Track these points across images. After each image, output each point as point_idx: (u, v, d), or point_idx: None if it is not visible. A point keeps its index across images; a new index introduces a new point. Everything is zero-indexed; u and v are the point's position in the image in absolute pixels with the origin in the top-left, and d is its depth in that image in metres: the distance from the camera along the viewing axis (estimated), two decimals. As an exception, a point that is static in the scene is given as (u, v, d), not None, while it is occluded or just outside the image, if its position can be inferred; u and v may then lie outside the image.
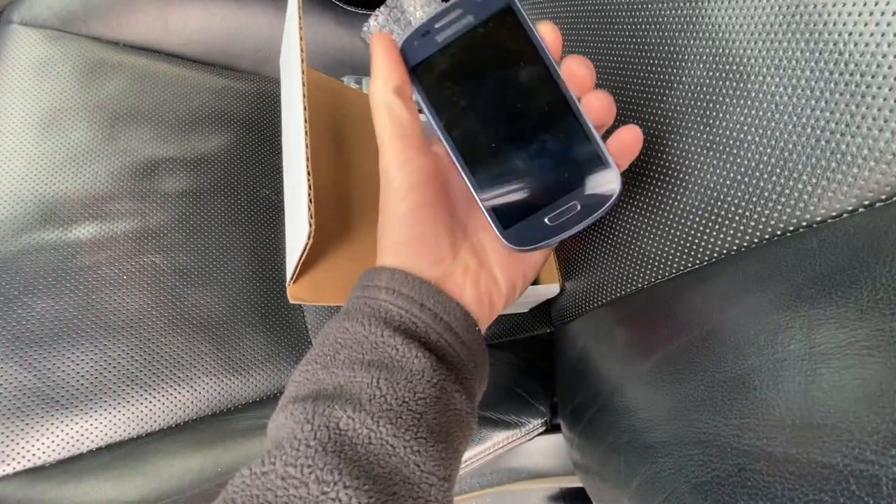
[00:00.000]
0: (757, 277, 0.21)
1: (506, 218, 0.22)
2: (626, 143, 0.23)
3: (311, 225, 0.22)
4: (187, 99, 0.45)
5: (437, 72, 0.22)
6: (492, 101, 0.22)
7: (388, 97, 0.22)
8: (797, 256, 0.20)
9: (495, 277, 0.25)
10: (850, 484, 0.13)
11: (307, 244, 0.22)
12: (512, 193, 0.22)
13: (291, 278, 0.26)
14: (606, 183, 0.22)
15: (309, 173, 0.22)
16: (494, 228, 0.22)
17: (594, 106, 0.22)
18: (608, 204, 0.22)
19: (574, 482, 0.46)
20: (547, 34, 0.22)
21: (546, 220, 0.22)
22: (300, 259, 0.24)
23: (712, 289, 0.24)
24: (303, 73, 0.24)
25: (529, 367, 0.45)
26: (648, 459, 0.22)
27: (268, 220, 0.43)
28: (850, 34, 0.19)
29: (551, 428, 0.43)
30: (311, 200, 0.22)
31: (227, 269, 0.40)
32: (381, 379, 0.19)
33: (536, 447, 0.44)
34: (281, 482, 0.17)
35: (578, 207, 0.22)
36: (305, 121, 0.23)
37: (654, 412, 0.23)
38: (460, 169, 0.22)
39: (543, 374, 0.45)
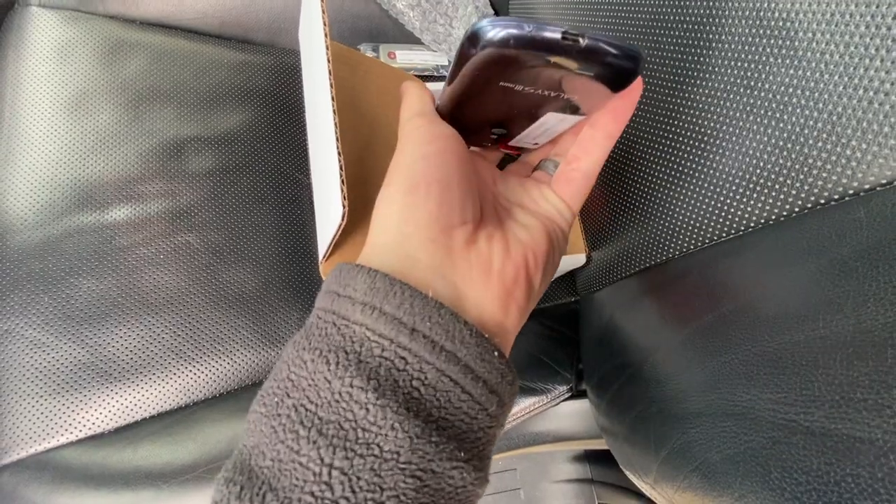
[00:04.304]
0: (797, 249, 0.20)
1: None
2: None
3: (344, 206, 0.22)
4: (206, 76, 0.44)
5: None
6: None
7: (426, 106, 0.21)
8: (842, 227, 0.19)
9: (527, 237, 0.20)
10: (889, 459, 0.13)
11: (341, 225, 0.23)
12: None
13: (324, 257, 0.27)
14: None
15: (339, 153, 0.22)
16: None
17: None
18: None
19: (598, 445, 0.48)
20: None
21: None
22: (333, 239, 0.24)
23: (749, 260, 0.23)
24: (327, 47, 0.24)
25: (555, 335, 0.45)
26: (679, 429, 0.22)
27: (294, 197, 0.43)
28: (915, -15, 0.17)
29: (577, 394, 0.44)
30: (343, 182, 0.22)
31: (257, 245, 0.41)
32: (333, 468, 0.14)
33: (562, 412, 0.45)
34: None
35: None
36: (332, 98, 0.23)
37: (686, 384, 0.23)
38: None
39: (569, 341, 0.45)
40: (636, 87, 0.20)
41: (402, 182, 0.18)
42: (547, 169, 0.25)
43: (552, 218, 0.23)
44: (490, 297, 0.18)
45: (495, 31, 0.16)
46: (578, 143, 0.23)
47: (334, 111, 0.23)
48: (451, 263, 0.18)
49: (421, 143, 0.19)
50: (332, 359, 0.16)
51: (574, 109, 0.21)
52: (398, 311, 0.16)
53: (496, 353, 0.17)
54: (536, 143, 0.26)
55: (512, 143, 0.26)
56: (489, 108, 0.21)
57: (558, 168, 0.24)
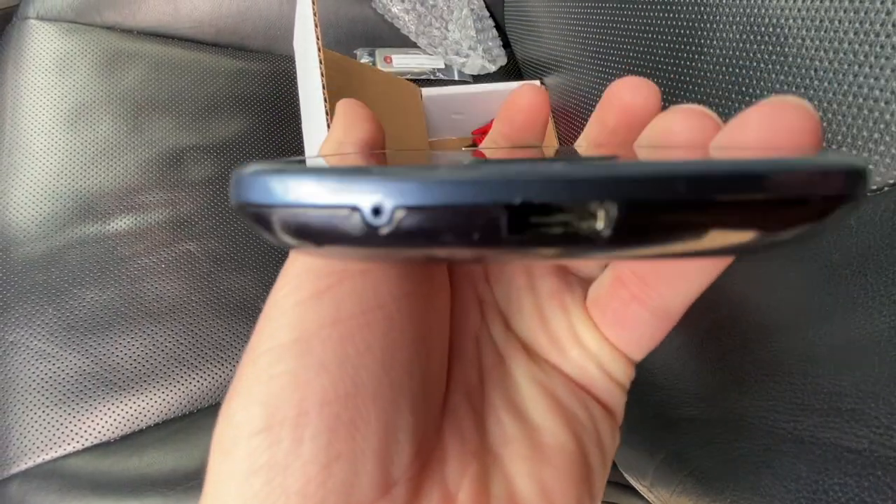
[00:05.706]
0: (790, 254, 0.21)
1: None
2: None
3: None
4: (204, 84, 0.45)
5: None
6: None
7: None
8: (833, 233, 0.19)
9: (533, 489, 0.10)
10: (875, 469, 0.13)
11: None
12: None
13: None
14: None
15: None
16: None
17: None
18: None
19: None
20: None
21: None
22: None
23: (743, 264, 0.23)
24: (320, 61, 0.24)
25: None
26: (675, 434, 0.22)
27: (292, 203, 0.44)
28: (902, -7, 0.18)
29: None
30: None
31: (258, 252, 0.41)
32: None
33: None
34: None
35: None
36: (327, 113, 0.23)
37: (682, 389, 0.23)
38: None
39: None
40: None
41: (252, 405, 0.09)
42: None
43: (593, 387, 0.12)
44: None
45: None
46: None
47: (329, 126, 0.23)
48: None
49: (299, 302, 0.09)
50: None
51: None
52: None
53: None
54: None
55: None
56: None
57: (600, 287, 0.12)
